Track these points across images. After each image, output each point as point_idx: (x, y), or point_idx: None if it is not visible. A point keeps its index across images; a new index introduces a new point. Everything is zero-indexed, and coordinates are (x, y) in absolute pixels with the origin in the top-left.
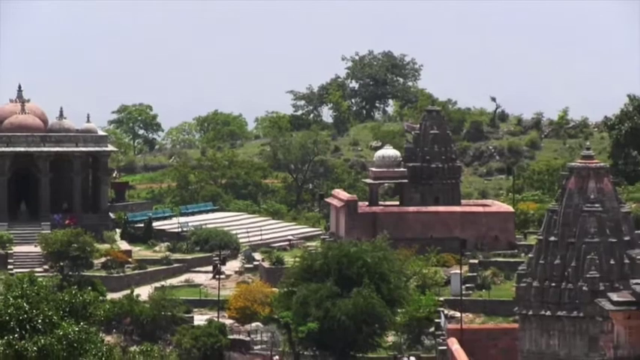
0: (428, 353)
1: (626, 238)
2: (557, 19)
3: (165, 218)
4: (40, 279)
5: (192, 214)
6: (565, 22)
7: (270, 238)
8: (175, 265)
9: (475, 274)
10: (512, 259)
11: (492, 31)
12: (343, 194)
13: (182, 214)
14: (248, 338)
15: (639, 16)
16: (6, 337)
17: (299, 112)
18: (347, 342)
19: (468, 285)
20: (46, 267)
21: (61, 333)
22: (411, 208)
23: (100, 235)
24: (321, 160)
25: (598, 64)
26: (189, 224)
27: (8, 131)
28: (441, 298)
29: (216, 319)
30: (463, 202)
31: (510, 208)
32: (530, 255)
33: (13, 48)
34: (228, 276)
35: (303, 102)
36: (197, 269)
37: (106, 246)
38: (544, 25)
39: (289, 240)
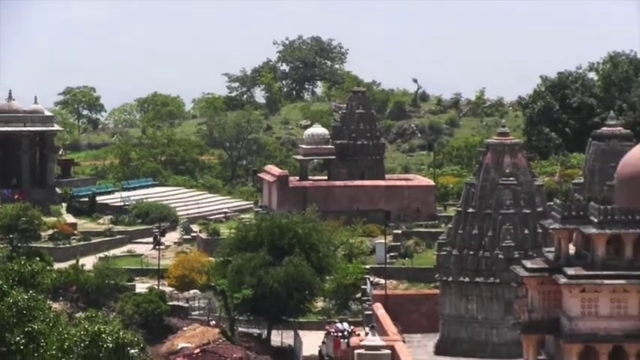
0: (355, 317)
1: (539, 210)
2: (475, 3)
3: (108, 193)
4: None
5: (134, 188)
6: (481, 7)
7: (207, 211)
8: (118, 236)
9: (398, 243)
10: (433, 230)
11: (416, 16)
12: (275, 170)
13: (124, 189)
14: (186, 304)
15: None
16: None
17: (233, 94)
18: (279, 307)
19: (391, 254)
20: None
21: (11, 301)
22: (339, 183)
23: (47, 209)
24: (254, 138)
25: (514, 46)
26: (131, 198)
27: None
28: (367, 266)
29: (156, 287)
30: (387, 176)
31: (431, 182)
32: (449, 225)
33: None
34: (167, 246)
35: (237, 84)
36: (138, 240)
37: (53, 219)
38: (463, 8)
39: (225, 213)
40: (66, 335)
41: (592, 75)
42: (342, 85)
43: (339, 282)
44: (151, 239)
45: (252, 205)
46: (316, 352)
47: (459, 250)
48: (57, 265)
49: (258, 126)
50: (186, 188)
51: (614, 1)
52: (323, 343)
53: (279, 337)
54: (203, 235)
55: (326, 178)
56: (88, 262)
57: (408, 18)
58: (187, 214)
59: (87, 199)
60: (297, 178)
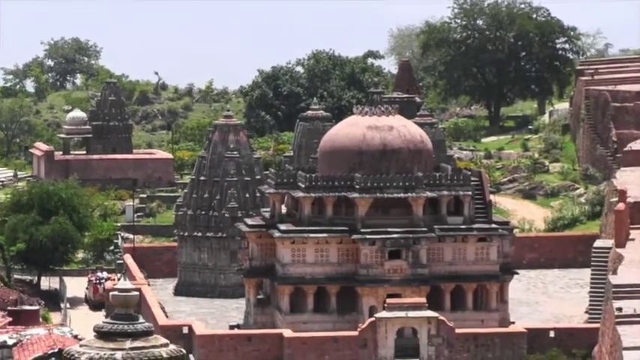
0: (109, 266)
1: (258, 177)
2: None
3: None
4: None
5: None
6: (210, 10)
7: None
8: None
9: (144, 205)
10: (171, 194)
11: (157, 18)
12: (43, 146)
13: None
14: None
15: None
16: None
17: (8, 84)
18: (47, 258)
19: (138, 214)
20: None
21: None
22: (95, 156)
23: None
24: (25, 120)
25: (236, 43)
26: None
27: None
28: (119, 224)
29: None
30: (134, 151)
31: (170, 156)
32: (185, 190)
33: None
34: None
35: (11, 76)
36: None
37: None
38: (197, 13)
39: (2, 181)
40: None
41: (299, 68)
42: (97, 77)
43: (95, 237)
44: None
45: (25, 175)
46: (77, 294)
47: (193, 211)
48: None
49: (29, 110)
50: None
51: (320, 4)
52: (87, 288)
53: (48, 282)
54: None
55: (85, 152)
56: None
57: (152, 20)
58: None
59: None
60: (61, 152)
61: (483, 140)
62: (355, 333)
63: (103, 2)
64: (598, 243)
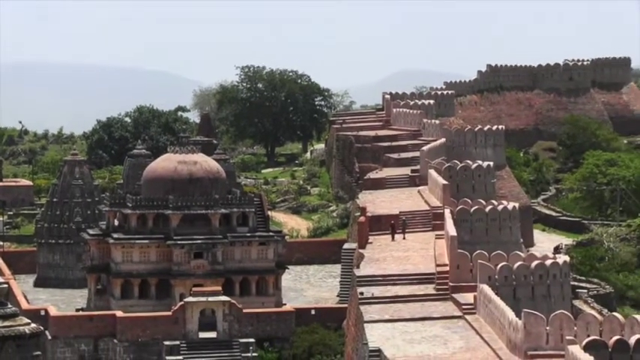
0: None
1: (97, 199)
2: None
3: None
4: None
5: None
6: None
7: None
8: None
9: (11, 220)
10: (32, 212)
11: (24, 80)
12: None
13: None
14: None
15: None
16: None
17: None
18: None
19: (7, 226)
20: None
21: None
22: None
23: None
24: None
25: (83, 100)
26: None
27: None
28: None
29: None
30: (4, 179)
31: (31, 183)
32: (42, 209)
33: None
34: None
35: None
36: None
37: None
38: (48, 71)
39: None
40: None
41: (127, 119)
42: None
43: None
44: None
45: None
46: None
47: (48, 224)
48: None
49: None
50: None
51: (142, 72)
52: None
53: None
54: None
55: None
56: None
57: (17, 82)
58: None
59: None
60: None
61: (263, 171)
62: (169, 313)
63: None
64: (346, 245)
